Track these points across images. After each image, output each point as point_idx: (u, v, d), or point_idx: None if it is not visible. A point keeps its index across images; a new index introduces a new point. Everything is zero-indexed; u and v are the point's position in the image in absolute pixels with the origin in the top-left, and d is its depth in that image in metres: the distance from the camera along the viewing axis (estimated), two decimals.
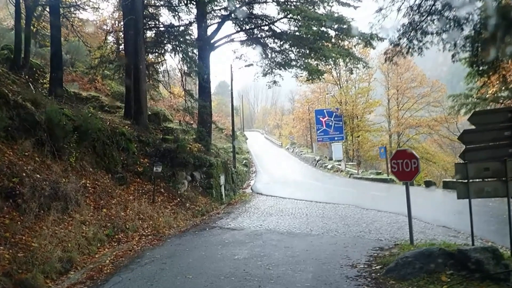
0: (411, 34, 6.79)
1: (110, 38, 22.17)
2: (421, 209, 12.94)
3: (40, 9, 20.13)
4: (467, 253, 4.17)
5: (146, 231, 9.44)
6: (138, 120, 13.53)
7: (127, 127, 13.26)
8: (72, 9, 21.92)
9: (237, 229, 9.68)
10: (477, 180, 5.86)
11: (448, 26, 6.36)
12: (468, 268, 4.03)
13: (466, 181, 5.83)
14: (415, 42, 6.95)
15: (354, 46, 17.89)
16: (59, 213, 7.64)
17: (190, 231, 9.51)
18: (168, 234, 9.16)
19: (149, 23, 18.61)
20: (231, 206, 14.59)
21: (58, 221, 7.41)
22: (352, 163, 28.99)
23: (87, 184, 9.70)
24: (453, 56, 6.93)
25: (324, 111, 32.86)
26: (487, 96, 20.22)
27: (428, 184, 17.71)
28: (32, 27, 20.57)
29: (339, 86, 34.45)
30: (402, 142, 33.74)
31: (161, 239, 8.34)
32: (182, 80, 16.79)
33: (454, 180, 18.18)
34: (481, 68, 7.03)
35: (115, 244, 8.18)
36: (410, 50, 7.23)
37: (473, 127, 5.92)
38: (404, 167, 7.32)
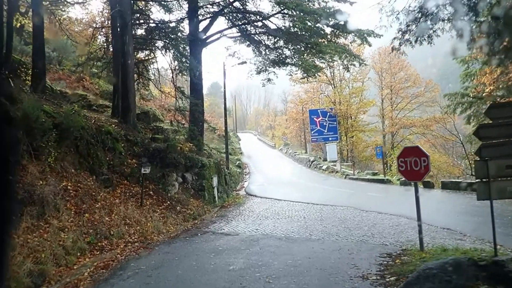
0: (421, 20, 6.24)
1: (99, 37, 21.44)
2: (422, 211, 12.43)
3: (26, 4, 19.31)
4: (505, 264, 3.58)
5: (133, 238, 8.71)
6: (125, 118, 12.77)
7: (113, 125, 12.50)
8: (59, 6, 21.19)
9: (232, 234, 9.01)
10: (499, 179, 5.27)
11: (461, 11, 5.81)
12: (506, 282, 3.44)
13: (486, 180, 5.23)
14: (425, 29, 6.39)
15: (350, 43, 17.39)
16: (33, 219, 6.89)
17: (181, 237, 8.80)
18: (157, 241, 8.45)
19: (139, 18, 17.86)
20: (225, 209, 13.90)
21: (32, 228, 6.65)
22: (347, 163, 28.52)
23: (68, 187, 8.93)
24: (465, 45, 6.37)
25: (318, 111, 32.33)
26: (483, 94, 19.94)
27: (426, 184, 17.24)
28: (16, 22, 19.72)
29: (333, 86, 33.99)
30: (396, 142, 33.42)
31: (149, 247, 7.62)
32: (173, 77, 16.03)
33: (453, 180, 17.80)
34: (497, 57, 6.48)
35: (98, 253, 7.44)
36: (419, 38, 6.68)
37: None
38: (413, 165, 6.74)
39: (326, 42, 15.56)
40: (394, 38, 7.42)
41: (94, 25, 19.98)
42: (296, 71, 18.50)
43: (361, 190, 17.96)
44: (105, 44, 21.09)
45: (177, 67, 15.69)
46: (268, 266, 5.75)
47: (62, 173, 9.21)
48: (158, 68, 23.50)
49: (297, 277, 5.13)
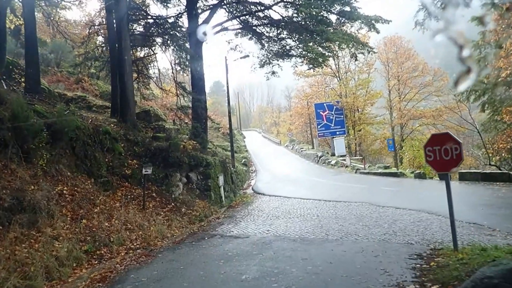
0: None
1: (97, 36, 20.82)
2: (443, 205, 11.66)
3: (19, 5, 18.74)
4: None
5: (135, 244, 8.06)
6: (125, 117, 12.12)
7: (112, 125, 11.87)
8: (54, 7, 20.61)
9: (241, 236, 8.32)
10: None
11: None
12: None
13: None
14: None
15: (357, 30, 16.60)
16: (23, 228, 6.26)
17: (186, 242, 8.13)
18: (160, 247, 7.78)
19: (137, 14, 17.17)
20: (232, 209, 13.22)
21: (21, 239, 6.02)
22: (356, 158, 27.70)
23: (64, 191, 8.31)
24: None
25: (324, 104, 31.48)
26: (499, 80, 19.06)
27: (443, 176, 16.36)
28: (10, 24, 19.14)
29: (338, 78, 33.10)
30: (405, 134, 32.52)
31: (151, 254, 6.95)
32: (173, 72, 15.34)
33: (472, 171, 16.93)
34: None
35: (96, 262, 6.79)
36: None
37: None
38: (443, 154, 5.99)
39: (332, 30, 14.77)
40: (418, 11, 6.67)
41: (91, 24, 19.25)
42: (301, 62, 17.72)
43: (374, 184, 17.18)
44: (102, 43, 20.49)
45: (177, 60, 14.97)
46: (285, 274, 5.04)
47: (57, 176, 8.58)
48: (158, 67, 22.93)
49: None
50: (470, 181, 15.38)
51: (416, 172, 18.57)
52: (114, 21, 12.72)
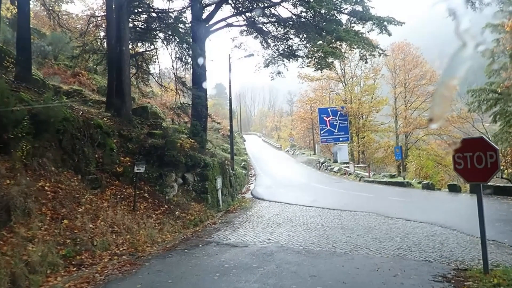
0: None
1: (97, 29, 20.17)
2: (457, 218, 10.89)
3: None
4: None
5: (121, 249, 7.25)
6: (119, 112, 11.37)
7: (105, 119, 11.08)
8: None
9: (239, 245, 7.52)
10: None
11: None
12: None
13: None
14: None
15: (368, 32, 15.89)
16: None
17: (178, 249, 7.33)
18: (149, 253, 6.98)
19: (140, 6, 16.46)
20: (230, 214, 12.43)
21: None
22: (360, 165, 26.92)
23: (46, 187, 7.51)
24: None
25: (329, 109, 30.74)
26: None
27: (453, 188, 15.60)
28: (6, 12, 18.47)
29: (344, 83, 32.38)
30: (410, 143, 31.76)
31: (137, 262, 6.15)
32: (173, 66, 14.60)
33: (483, 183, 16.10)
34: None
35: (74, 269, 5.98)
36: None
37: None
38: (475, 162, 5.22)
39: (343, 29, 14.07)
40: None
41: (90, 15, 18.56)
42: (308, 63, 16.99)
43: (380, 194, 16.39)
44: (102, 37, 19.82)
45: (177, 55, 14.22)
46: None
47: (39, 171, 7.79)
48: (158, 63, 22.20)
49: None
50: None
51: (424, 182, 17.76)
52: (114, 9, 12.00)
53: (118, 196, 9.26)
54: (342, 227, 9.57)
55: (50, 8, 20.14)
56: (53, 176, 8.04)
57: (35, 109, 8.00)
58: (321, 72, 23.17)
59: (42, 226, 6.52)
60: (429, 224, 9.79)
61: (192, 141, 11.85)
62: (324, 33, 14.02)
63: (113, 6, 11.67)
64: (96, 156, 9.69)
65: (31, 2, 20.35)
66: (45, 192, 7.40)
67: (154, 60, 19.06)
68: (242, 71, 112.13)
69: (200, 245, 7.59)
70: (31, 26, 21.20)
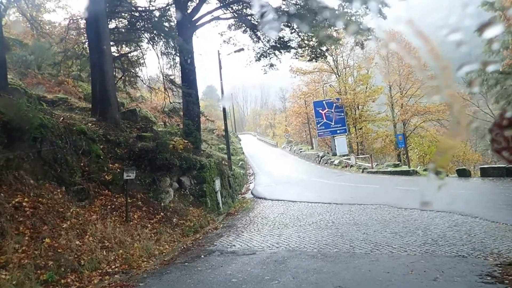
0: None
1: (78, 36, 19.27)
2: (476, 205, 10.19)
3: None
4: None
5: (113, 267, 6.42)
6: (105, 115, 10.50)
7: (90, 124, 10.21)
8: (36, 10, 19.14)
9: (246, 253, 6.72)
10: None
11: None
12: None
13: None
14: None
15: (361, 16, 15.14)
16: None
17: (178, 262, 6.50)
18: (144, 270, 6.15)
19: (120, 5, 15.53)
20: (232, 217, 11.63)
21: None
22: (361, 156, 26.24)
23: (24, 203, 6.64)
24: None
25: (324, 102, 30.01)
26: None
27: (462, 173, 14.92)
28: None
29: (337, 75, 31.67)
30: (408, 131, 31.17)
31: (130, 284, 5.31)
32: (159, 63, 13.74)
33: (495, 166, 15.47)
34: None
35: None
36: None
37: None
38: None
39: (337, 13, 13.32)
40: None
41: (70, 18, 17.60)
42: (302, 52, 16.20)
43: (386, 184, 15.69)
44: (84, 41, 18.91)
45: (163, 48, 13.32)
46: None
47: (16, 185, 6.91)
48: (145, 64, 21.30)
49: None
50: (493, 177, 13.94)
51: None
52: (91, 7, 11.10)
53: (109, 207, 8.41)
54: (355, 223, 8.81)
55: (31, 16, 19.18)
56: (32, 190, 7.16)
57: (6, 116, 7.12)
58: (316, 61, 22.33)
59: (19, 248, 5.67)
60: (447, 213, 9.11)
61: (186, 141, 11.01)
62: (317, 18, 13.24)
63: (91, 3, 10.78)
64: (82, 164, 8.82)
65: (11, 12, 19.39)
66: (22, 208, 6.53)
67: (141, 61, 18.21)
68: (233, 69, 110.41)
69: (202, 256, 6.77)
70: (12, 37, 20.24)
